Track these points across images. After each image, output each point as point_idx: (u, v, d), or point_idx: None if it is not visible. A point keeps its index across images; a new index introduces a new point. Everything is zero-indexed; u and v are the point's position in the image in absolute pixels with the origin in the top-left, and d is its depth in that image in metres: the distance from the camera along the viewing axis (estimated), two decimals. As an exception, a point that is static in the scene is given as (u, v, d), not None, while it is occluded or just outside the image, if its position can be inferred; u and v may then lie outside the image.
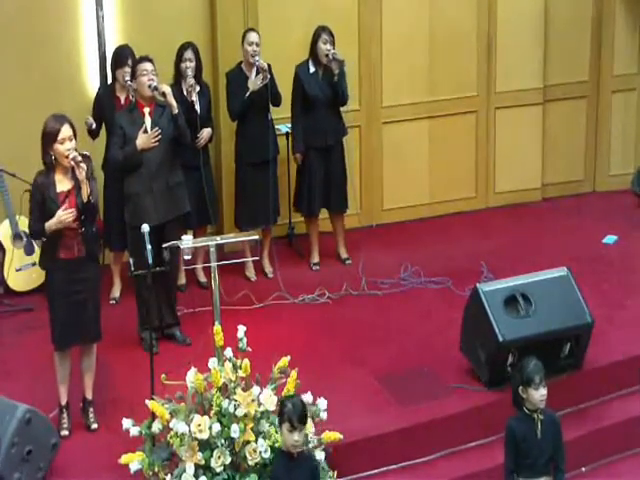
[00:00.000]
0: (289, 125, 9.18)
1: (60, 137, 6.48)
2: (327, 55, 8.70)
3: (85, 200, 6.55)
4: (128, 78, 8.10)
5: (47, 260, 6.73)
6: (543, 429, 5.90)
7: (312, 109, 8.83)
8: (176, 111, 7.62)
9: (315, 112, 8.83)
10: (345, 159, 9.08)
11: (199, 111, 8.41)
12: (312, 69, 8.84)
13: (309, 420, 6.20)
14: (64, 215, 6.52)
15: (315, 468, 5.80)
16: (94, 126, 8.28)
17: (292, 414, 5.54)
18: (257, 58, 8.52)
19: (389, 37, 9.74)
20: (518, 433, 5.88)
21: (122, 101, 8.32)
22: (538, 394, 5.84)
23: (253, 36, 8.61)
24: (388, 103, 9.86)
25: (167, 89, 7.64)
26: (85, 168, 6.49)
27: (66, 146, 6.49)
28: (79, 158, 6.48)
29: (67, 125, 6.53)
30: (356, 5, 9.61)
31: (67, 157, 6.48)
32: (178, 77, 8.48)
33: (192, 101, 8.35)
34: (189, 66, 8.42)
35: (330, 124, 8.89)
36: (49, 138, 6.51)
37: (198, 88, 8.47)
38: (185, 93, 8.34)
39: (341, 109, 8.96)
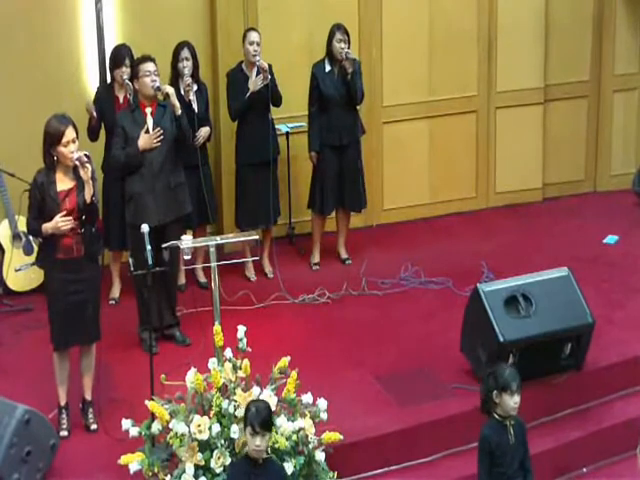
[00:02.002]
0: (290, 125, 9.18)
1: (64, 140, 6.45)
2: (341, 53, 8.70)
3: (88, 200, 6.54)
4: (126, 77, 8.09)
5: (46, 260, 6.71)
6: (515, 433, 5.87)
7: (327, 108, 8.83)
8: (179, 112, 7.60)
9: (330, 111, 8.82)
10: (362, 159, 9.07)
11: (196, 110, 8.40)
12: (328, 68, 8.83)
13: (309, 420, 6.21)
14: (61, 222, 6.50)
15: (283, 476, 5.77)
16: (95, 113, 8.24)
17: (254, 419, 5.53)
18: (258, 58, 8.51)
19: (389, 37, 9.73)
20: (492, 441, 5.83)
21: (121, 100, 8.31)
22: (512, 401, 5.80)
23: (254, 36, 8.59)
24: (388, 103, 9.85)
25: (170, 90, 7.62)
26: (90, 168, 6.49)
27: (70, 148, 6.47)
28: (85, 158, 6.47)
29: (71, 127, 6.51)
30: (356, 5, 9.60)
31: (71, 159, 6.46)
32: (175, 77, 8.47)
33: (189, 100, 8.33)
34: (186, 65, 8.40)
35: (345, 123, 8.88)
36: (52, 139, 6.48)
37: (195, 87, 8.46)
38: (182, 92, 8.32)
39: (357, 108, 8.97)
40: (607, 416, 7.25)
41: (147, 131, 7.62)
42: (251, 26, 8.92)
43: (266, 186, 8.73)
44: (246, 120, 8.70)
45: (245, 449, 5.75)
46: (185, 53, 8.41)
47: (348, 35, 8.77)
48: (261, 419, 5.54)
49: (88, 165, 6.47)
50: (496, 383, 5.81)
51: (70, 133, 6.48)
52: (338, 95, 8.82)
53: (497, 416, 5.86)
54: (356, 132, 9.00)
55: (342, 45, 8.72)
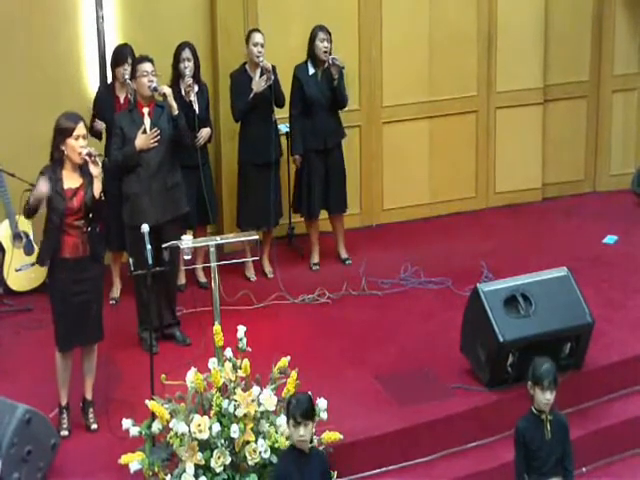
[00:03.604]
0: (289, 125, 9.17)
1: (75, 134, 6.49)
2: (325, 52, 8.66)
3: (97, 196, 6.55)
4: (128, 76, 8.10)
5: (51, 259, 6.69)
6: (552, 430, 5.86)
7: (311, 111, 8.81)
8: (176, 112, 7.60)
9: (314, 114, 8.80)
10: (344, 161, 9.07)
11: (197, 111, 8.39)
12: (311, 70, 8.80)
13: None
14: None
15: (327, 465, 5.80)
16: (99, 127, 8.29)
17: (295, 410, 5.55)
18: (262, 59, 8.50)
19: (389, 37, 9.73)
20: (527, 434, 5.85)
21: (121, 100, 8.31)
22: (544, 397, 5.80)
23: (258, 37, 8.57)
24: (388, 103, 9.86)
25: (167, 90, 7.62)
26: (100, 164, 6.50)
27: (80, 143, 6.51)
28: (95, 152, 6.50)
29: (82, 123, 6.57)
30: (356, 5, 9.60)
31: (80, 153, 6.48)
32: (176, 77, 8.46)
33: (190, 101, 8.33)
34: (187, 66, 8.39)
35: (329, 126, 8.87)
36: (64, 134, 6.51)
37: (196, 88, 8.45)
38: (183, 93, 8.32)
39: (340, 112, 8.97)
40: (607, 416, 7.25)
41: (144, 131, 7.62)
42: (252, 26, 8.92)
43: (268, 187, 8.73)
44: (249, 121, 8.69)
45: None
46: (186, 54, 8.39)
47: (330, 35, 8.73)
48: (302, 409, 5.55)
49: (98, 160, 6.50)
50: (532, 375, 5.82)
51: (81, 129, 6.53)
52: (323, 98, 8.79)
53: (534, 409, 5.86)
54: (340, 135, 8.99)
55: (325, 44, 8.67)
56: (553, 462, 5.89)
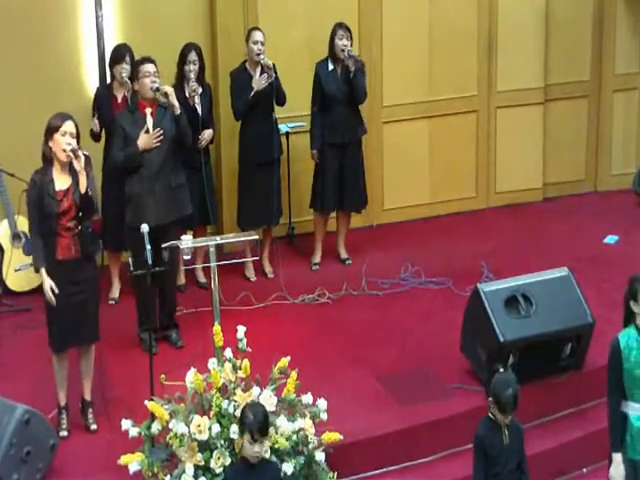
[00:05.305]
0: (290, 125, 9.18)
1: (62, 129, 6.48)
2: (343, 49, 8.69)
3: (83, 191, 6.52)
4: (125, 74, 8.09)
5: (45, 262, 6.67)
6: (509, 435, 5.86)
7: (330, 106, 8.82)
8: (178, 112, 7.57)
9: (332, 109, 8.82)
10: (363, 158, 9.07)
11: (201, 113, 8.38)
12: (330, 67, 8.83)
13: (309, 421, 6.20)
14: (48, 292, 6.53)
15: (278, 475, 5.74)
16: (96, 128, 8.29)
17: (253, 425, 5.48)
18: (262, 57, 8.50)
19: (389, 37, 9.74)
20: (486, 440, 5.83)
21: (119, 100, 8.30)
22: (504, 418, 5.78)
23: (258, 35, 8.57)
24: (388, 103, 9.86)
25: (169, 90, 7.59)
26: (83, 158, 6.48)
27: (66, 139, 6.48)
28: (77, 147, 6.48)
29: (71, 122, 6.54)
30: (356, 5, 9.61)
31: (65, 150, 6.46)
32: (181, 78, 8.44)
33: (194, 104, 8.31)
34: (192, 69, 8.37)
35: (347, 122, 8.88)
36: (51, 131, 6.51)
37: (200, 89, 8.41)
38: (188, 96, 8.30)
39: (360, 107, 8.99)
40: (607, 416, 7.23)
41: (147, 131, 7.60)
42: (252, 26, 8.92)
43: (269, 186, 8.72)
44: (249, 120, 8.69)
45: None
46: (192, 56, 8.36)
47: (350, 32, 8.75)
48: (259, 426, 5.49)
49: (81, 154, 6.46)
50: (493, 394, 5.79)
51: (68, 126, 6.50)
52: (340, 94, 8.81)
53: (491, 415, 5.87)
54: (358, 131, 9.00)
55: (344, 42, 8.70)
56: (512, 468, 5.88)
